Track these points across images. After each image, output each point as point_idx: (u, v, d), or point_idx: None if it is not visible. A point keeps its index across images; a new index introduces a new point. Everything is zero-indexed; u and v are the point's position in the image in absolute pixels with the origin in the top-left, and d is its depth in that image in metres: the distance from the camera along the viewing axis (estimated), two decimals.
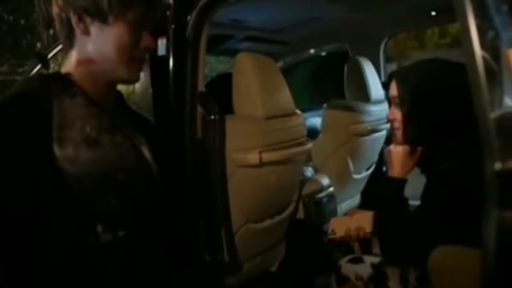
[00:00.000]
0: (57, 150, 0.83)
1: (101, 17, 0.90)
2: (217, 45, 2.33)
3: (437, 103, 1.19)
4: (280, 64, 2.73)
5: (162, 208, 1.04)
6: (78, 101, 0.90)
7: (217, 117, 1.42)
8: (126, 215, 0.92)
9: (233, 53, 1.85)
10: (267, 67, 1.55)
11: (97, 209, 0.87)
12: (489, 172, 0.67)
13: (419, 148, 1.27)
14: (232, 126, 1.45)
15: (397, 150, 1.30)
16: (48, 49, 1.79)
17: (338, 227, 1.41)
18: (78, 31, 0.92)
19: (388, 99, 1.36)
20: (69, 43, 0.94)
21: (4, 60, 6.25)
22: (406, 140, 1.27)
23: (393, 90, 1.28)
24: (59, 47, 1.73)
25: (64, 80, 0.92)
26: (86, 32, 0.91)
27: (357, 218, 1.41)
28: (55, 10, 0.93)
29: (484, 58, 0.68)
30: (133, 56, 0.94)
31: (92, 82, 0.94)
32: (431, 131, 1.21)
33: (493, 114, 0.69)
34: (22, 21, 6.37)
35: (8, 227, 0.79)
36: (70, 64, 0.95)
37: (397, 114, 1.27)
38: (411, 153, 1.28)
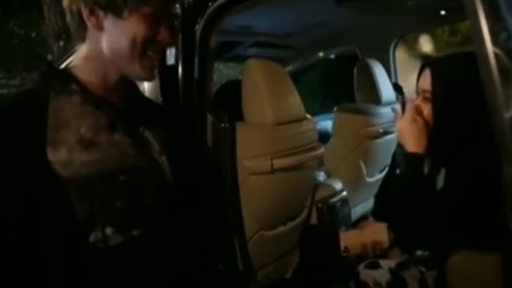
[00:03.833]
0: (50, 154, 0.79)
1: (115, 11, 0.85)
2: (226, 51, 2.34)
3: (474, 101, 1.05)
4: (289, 68, 2.73)
5: (182, 204, 0.99)
6: (74, 99, 0.86)
7: (227, 124, 1.41)
8: (137, 214, 0.87)
9: (242, 59, 1.85)
10: (276, 73, 1.54)
11: (103, 212, 0.83)
12: (507, 176, 0.65)
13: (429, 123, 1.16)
14: (242, 133, 1.45)
15: (404, 124, 1.18)
16: (59, 61, 1.81)
17: (351, 243, 1.31)
18: (90, 25, 0.87)
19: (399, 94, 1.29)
20: (80, 37, 0.90)
21: (16, 72, 6.34)
22: (429, 142, 1.16)
23: (425, 82, 1.17)
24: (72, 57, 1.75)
25: (65, 76, 0.89)
26: (99, 27, 0.87)
27: (371, 232, 1.30)
28: (65, 2, 0.89)
29: (497, 56, 0.67)
30: (149, 51, 0.90)
31: (101, 76, 0.90)
32: (461, 133, 1.11)
33: (508, 114, 0.67)
34: (33, 34, 6.47)
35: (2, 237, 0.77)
36: (79, 57, 0.92)
37: (425, 108, 1.17)
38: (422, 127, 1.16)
